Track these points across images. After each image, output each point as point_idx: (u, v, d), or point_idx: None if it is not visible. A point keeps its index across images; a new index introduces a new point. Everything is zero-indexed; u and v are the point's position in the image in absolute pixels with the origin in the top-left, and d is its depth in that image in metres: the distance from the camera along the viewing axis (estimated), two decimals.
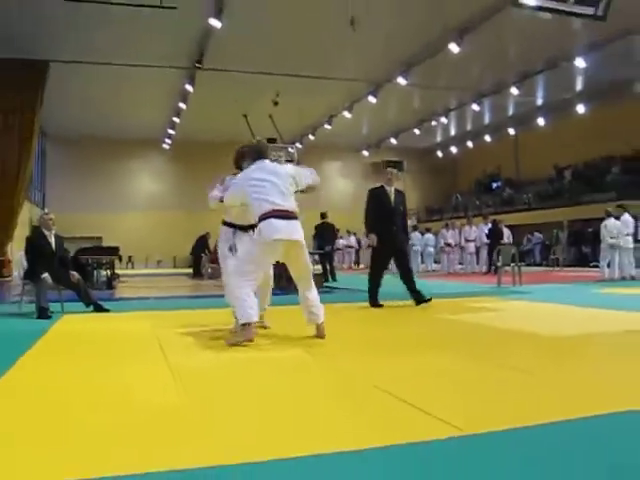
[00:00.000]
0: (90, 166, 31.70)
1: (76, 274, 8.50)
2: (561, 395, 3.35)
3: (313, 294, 5.58)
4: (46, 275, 8.00)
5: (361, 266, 27.35)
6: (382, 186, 8.59)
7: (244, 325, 5.20)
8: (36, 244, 8.33)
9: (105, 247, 17.22)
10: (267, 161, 5.67)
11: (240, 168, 5.94)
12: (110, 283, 14.53)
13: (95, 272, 14.70)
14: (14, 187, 19.33)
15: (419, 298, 8.36)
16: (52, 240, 8.41)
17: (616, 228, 13.80)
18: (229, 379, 4.00)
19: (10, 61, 19.04)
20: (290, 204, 5.42)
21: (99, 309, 8.39)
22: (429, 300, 8.37)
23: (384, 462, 2.31)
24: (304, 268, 5.60)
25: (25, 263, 8.29)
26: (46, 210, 8.97)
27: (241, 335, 5.22)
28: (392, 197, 8.46)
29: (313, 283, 5.68)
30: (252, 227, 5.79)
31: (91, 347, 5.41)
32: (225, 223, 6.38)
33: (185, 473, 2.21)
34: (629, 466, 2.20)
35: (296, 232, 5.34)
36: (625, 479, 2.13)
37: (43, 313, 7.75)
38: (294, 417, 3.02)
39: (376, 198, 8.62)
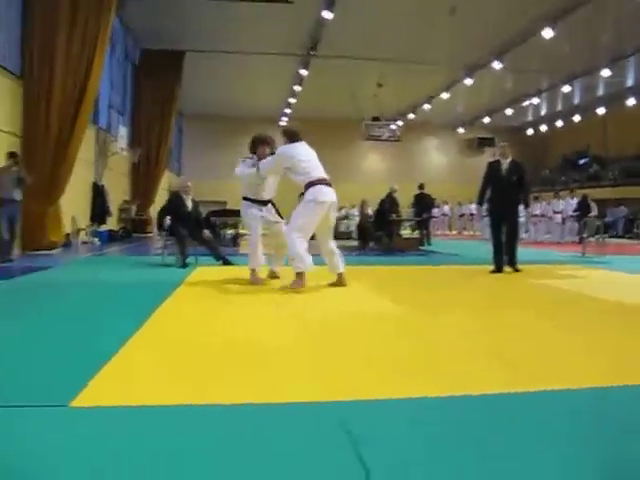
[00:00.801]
0: (218, 140, 32.75)
1: (207, 232, 9.03)
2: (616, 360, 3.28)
3: (335, 246, 6.36)
4: (185, 233, 8.56)
5: (453, 232, 26.98)
6: (498, 160, 8.42)
7: (301, 273, 5.90)
8: (175, 206, 8.89)
9: (231, 210, 17.83)
10: (304, 142, 6.46)
11: (254, 153, 6.79)
12: (235, 241, 15.13)
13: (222, 231, 15.36)
14: (157, 158, 20.44)
15: (513, 267, 8.21)
16: (189, 203, 8.95)
17: None
18: (336, 327, 4.11)
19: (154, 52, 20.02)
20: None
21: (226, 262, 8.88)
22: (518, 271, 8.19)
23: (475, 406, 2.41)
24: (332, 224, 6.44)
25: (166, 221, 8.78)
26: (184, 177, 9.54)
27: (300, 281, 5.89)
28: (504, 169, 8.25)
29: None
30: (264, 202, 6.80)
31: (220, 294, 5.78)
32: (245, 198, 6.89)
33: (295, 406, 2.36)
34: None
35: (335, 195, 6.20)
36: None
37: (183, 263, 8.33)
38: (396, 363, 3.14)
39: (489, 171, 8.49)
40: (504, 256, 8.24)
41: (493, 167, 8.41)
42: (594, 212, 18.32)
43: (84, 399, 2.37)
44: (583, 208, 17.36)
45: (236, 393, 2.49)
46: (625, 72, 23.91)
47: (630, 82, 25.35)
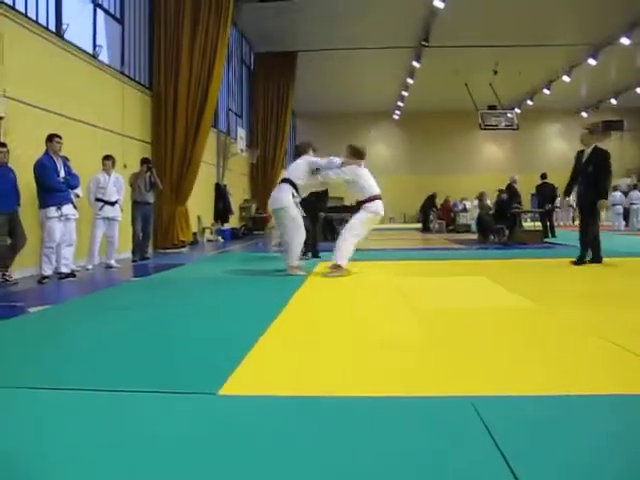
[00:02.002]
0: (331, 136, 32.85)
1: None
2: None
3: None
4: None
5: (577, 224, 25.61)
6: (583, 149, 7.95)
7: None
8: None
9: (347, 206, 18.07)
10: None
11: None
12: None
13: (338, 227, 15.60)
14: (273, 157, 21.14)
15: (594, 257, 7.74)
16: None
17: None
18: (465, 321, 4.08)
19: (269, 54, 20.72)
20: None
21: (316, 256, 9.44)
22: (599, 261, 7.71)
23: (609, 408, 2.34)
24: None
25: None
26: None
27: (338, 272, 6.70)
28: (584, 158, 7.80)
29: None
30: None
31: (342, 289, 5.94)
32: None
33: (435, 400, 2.43)
34: None
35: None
36: None
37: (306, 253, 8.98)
38: (527, 359, 3.09)
39: (576, 160, 8.08)
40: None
41: (578, 156, 8.00)
42: None
43: (230, 388, 2.56)
44: None
45: (366, 386, 2.57)
46: None
47: None
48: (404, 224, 30.14)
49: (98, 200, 8.50)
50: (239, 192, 19.50)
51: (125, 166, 10.24)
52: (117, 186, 8.75)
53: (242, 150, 18.28)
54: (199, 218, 14.83)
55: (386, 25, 18.85)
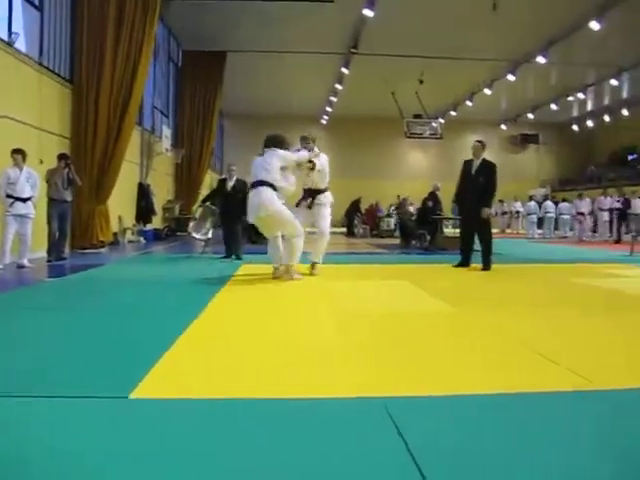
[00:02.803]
0: (259, 138, 32.64)
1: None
2: None
3: None
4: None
5: (495, 230, 26.53)
6: (472, 159, 8.37)
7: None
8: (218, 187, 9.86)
9: None
10: None
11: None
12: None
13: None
14: (199, 157, 20.77)
15: (483, 265, 8.10)
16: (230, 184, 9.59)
17: None
18: (386, 324, 4.15)
19: (197, 53, 20.37)
20: None
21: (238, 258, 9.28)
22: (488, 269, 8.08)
23: (525, 405, 2.42)
24: None
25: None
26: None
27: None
28: (474, 168, 8.22)
29: None
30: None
31: (265, 291, 5.88)
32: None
33: (348, 401, 2.44)
34: None
35: None
36: None
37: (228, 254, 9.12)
38: (444, 362, 3.17)
39: (463, 169, 8.50)
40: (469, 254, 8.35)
41: (466, 166, 8.39)
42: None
43: (142, 391, 2.49)
44: (625, 207, 16.99)
45: (282, 388, 2.57)
46: None
47: None
48: (330, 228, 30.30)
49: (9, 196, 8.06)
50: (163, 192, 19.03)
51: (41, 162, 9.77)
52: (30, 182, 8.31)
53: (167, 149, 17.87)
54: (120, 218, 14.35)
55: (317, 31, 18.94)
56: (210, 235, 10.13)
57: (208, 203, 10.11)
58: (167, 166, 19.61)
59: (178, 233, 18.96)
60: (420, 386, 2.61)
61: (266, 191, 6.34)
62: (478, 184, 8.13)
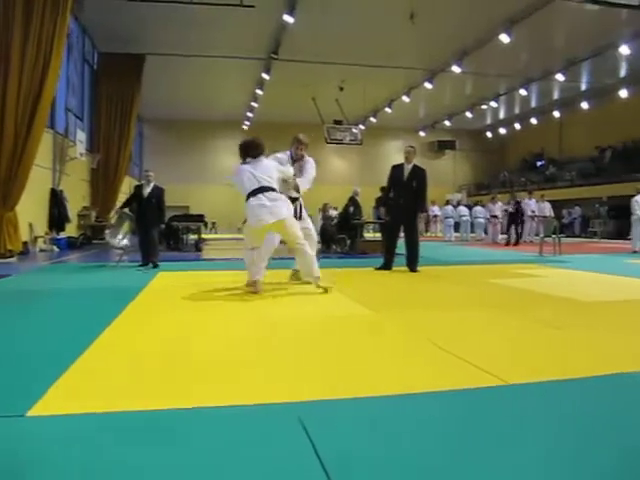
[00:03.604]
0: (180, 144, 32.53)
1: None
2: (589, 353, 3.38)
3: None
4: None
5: (429, 234, 27.10)
6: (402, 163, 8.48)
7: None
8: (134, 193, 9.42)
9: (193, 215, 17.67)
10: None
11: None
12: (197, 246, 14.96)
13: (184, 236, 15.17)
14: (117, 163, 20.07)
15: (412, 268, 8.26)
16: (147, 190, 9.17)
17: None
18: (303, 329, 4.11)
19: (113, 55, 19.71)
20: None
21: (155, 266, 8.95)
22: (416, 271, 8.25)
23: (440, 405, 2.42)
24: None
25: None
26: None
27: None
28: (406, 173, 8.34)
29: None
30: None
31: (184, 297, 5.68)
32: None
33: (260, 407, 2.37)
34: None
35: None
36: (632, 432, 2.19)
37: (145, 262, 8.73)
38: (356, 363, 3.14)
39: (392, 174, 8.58)
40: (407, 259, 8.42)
41: (396, 170, 8.50)
42: (549, 212, 18.96)
43: (41, 408, 2.31)
44: (517, 211, 17.61)
45: (195, 397, 2.46)
46: (579, 77, 24.55)
47: (584, 86, 26.04)
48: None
49: None
50: (78, 199, 18.27)
51: None
52: None
53: (82, 154, 17.15)
54: (31, 226, 13.63)
55: (237, 35, 18.82)
56: (127, 242, 9.76)
57: (126, 209, 9.75)
58: (82, 171, 18.84)
59: (94, 241, 18.26)
60: (332, 390, 2.57)
61: (279, 199, 5.87)
62: (411, 189, 8.26)
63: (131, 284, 6.69)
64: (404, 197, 8.29)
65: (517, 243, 16.92)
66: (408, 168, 8.37)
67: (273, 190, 5.86)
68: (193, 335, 3.89)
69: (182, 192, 28.46)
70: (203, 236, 17.09)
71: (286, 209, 5.89)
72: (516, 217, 17.19)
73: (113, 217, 10.99)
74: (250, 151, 6.11)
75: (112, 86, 19.80)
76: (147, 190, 9.12)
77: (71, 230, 16.78)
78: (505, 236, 20.04)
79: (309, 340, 3.75)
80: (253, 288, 5.97)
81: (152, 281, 7.14)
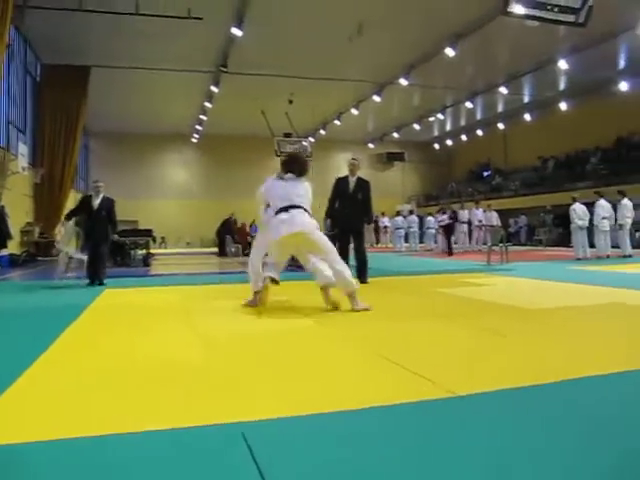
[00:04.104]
0: (128, 157, 31.91)
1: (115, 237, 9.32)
2: (535, 360, 3.41)
3: None
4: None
5: (379, 245, 27.30)
6: (347, 176, 8.51)
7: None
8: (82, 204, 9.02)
9: (141, 229, 17.34)
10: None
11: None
12: (146, 261, 14.67)
13: (132, 252, 14.84)
14: (62, 177, 19.54)
15: (362, 279, 8.12)
16: (96, 202, 8.83)
17: (582, 211, 13.79)
18: (247, 345, 4.03)
19: (57, 67, 19.24)
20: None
21: (101, 283, 8.67)
22: (367, 282, 8.23)
23: (382, 419, 2.39)
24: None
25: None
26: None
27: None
28: (351, 185, 8.38)
29: None
30: None
31: (129, 316, 5.52)
32: None
33: (203, 429, 2.28)
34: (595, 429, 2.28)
35: None
36: (581, 437, 2.20)
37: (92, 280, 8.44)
38: (308, 379, 3.09)
39: (337, 186, 8.59)
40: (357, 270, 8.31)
41: (341, 182, 8.53)
42: (496, 221, 19.43)
43: None
44: (454, 221, 17.92)
45: (135, 420, 2.35)
46: (522, 90, 25.31)
47: (527, 99, 26.85)
48: (201, 248, 29.74)
49: None
50: (20, 214, 17.68)
51: None
52: None
53: (24, 168, 16.63)
54: None
55: (186, 48, 18.65)
56: (79, 255, 9.42)
57: (72, 222, 9.43)
58: (24, 186, 18.25)
59: (39, 258, 17.68)
60: (280, 407, 2.50)
61: (305, 214, 5.59)
62: (357, 200, 8.29)
63: (74, 302, 6.47)
64: (350, 209, 8.31)
65: (451, 253, 17.04)
66: (353, 180, 8.41)
67: (305, 211, 5.61)
68: (134, 356, 3.76)
69: (130, 206, 27.84)
70: (152, 251, 16.78)
71: (308, 221, 5.55)
72: (452, 228, 17.39)
73: (60, 231, 10.62)
74: (295, 167, 5.86)
75: (56, 98, 19.32)
76: (97, 202, 8.79)
77: (13, 247, 16.20)
78: (455, 245, 20.45)
79: (253, 356, 3.67)
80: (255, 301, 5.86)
81: (97, 299, 6.93)
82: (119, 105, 25.68)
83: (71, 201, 21.17)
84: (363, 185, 8.46)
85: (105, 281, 8.70)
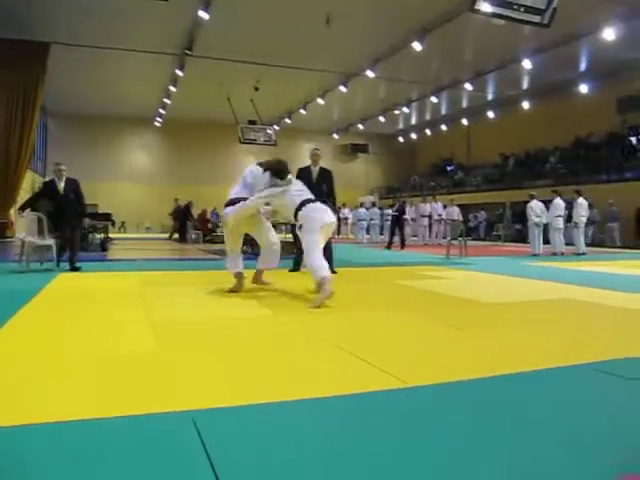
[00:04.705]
0: (88, 139, 31.19)
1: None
2: (487, 353, 3.49)
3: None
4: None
5: (340, 236, 27.35)
6: (309, 166, 8.60)
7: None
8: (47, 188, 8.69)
9: (99, 213, 16.99)
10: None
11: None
12: (103, 245, 14.42)
13: (90, 235, 14.57)
14: (17, 156, 18.99)
15: (331, 269, 8.31)
16: (61, 185, 8.56)
17: (539, 208, 14.11)
18: (202, 332, 4.01)
19: (13, 41, 18.60)
20: None
21: (75, 269, 8.41)
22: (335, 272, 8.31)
23: (339, 409, 2.42)
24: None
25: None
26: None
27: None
28: (314, 175, 8.46)
29: None
30: None
31: (82, 302, 5.43)
32: None
33: (154, 417, 2.27)
34: (531, 419, 2.36)
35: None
36: (527, 429, 2.28)
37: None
38: (261, 368, 3.09)
39: (299, 176, 8.57)
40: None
41: (304, 172, 8.54)
42: (457, 216, 19.73)
43: None
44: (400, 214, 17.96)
45: (84, 408, 2.32)
46: (485, 87, 25.67)
47: (490, 96, 27.24)
48: (161, 234, 29.35)
49: None
50: None
51: None
52: None
53: None
54: None
55: (150, 29, 18.29)
56: (40, 242, 8.96)
57: (28, 210, 8.99)
58: None
59: None
60: (231, 396, 2.50)
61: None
62: (321, 190, 8.27)
63: (26, 286, 6.33)
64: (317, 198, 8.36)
65: (403, 246, 16.91)
66: (316, 170, 8.51)
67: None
68: (88, 339, 3.71)
69: (90, 189, 26.88)
70: (110, 235, 16.50)
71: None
72: (400, 220, 17.46)
73: (17, 220, 10.25)
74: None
75: (11, 75, 18.67)
76: (61, 185, 8.52)
77: None
78: (415, 238, 20.65)
79: (207, 344, 3.66)
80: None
81: (51, 283, 6.80)
82: (79, 85, 25.01)
83: (27, 181, 20.65)
84: (326, 175, 8.56)
85: (78, 266, 8.46)
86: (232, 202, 6.06)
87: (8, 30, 18.18)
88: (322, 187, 8.35)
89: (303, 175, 8.47)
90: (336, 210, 8.93)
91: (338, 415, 2.34)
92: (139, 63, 21.86)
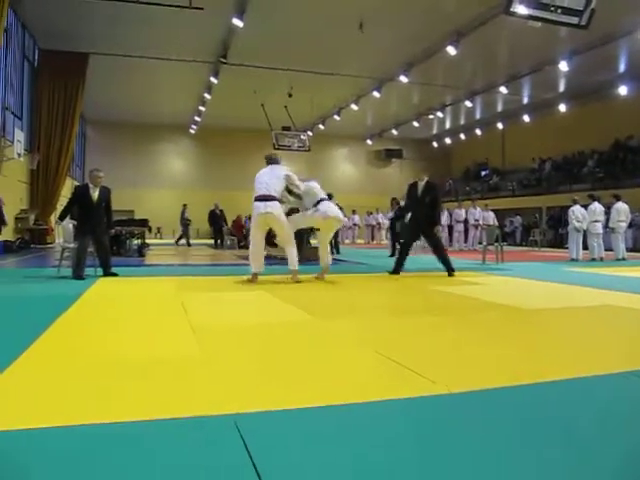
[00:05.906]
0: (125, 147, 31.78)
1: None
2: (532, 359, 3.42)
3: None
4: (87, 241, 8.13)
5: (360, 241, 27.37)
6: (416, 181, 9.45)
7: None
8: (79, 195, 8.34)
9: (136, 219, 17.27)
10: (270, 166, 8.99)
11: None
12: (141, 251, 14.63)
13: (127, 241, 14.80)
14: (57, 164, 19.47)
15: (449, 273, 9.21)
16: (95, 194, 8.29)
17: (581, 213, 13.81)
18: (242, 337, 4.03)
19: (56, 53, 19.13)
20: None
21: (111, 274, 8.45)
22: (452, 275, 9.11)
23: (376, 413, 2.40)
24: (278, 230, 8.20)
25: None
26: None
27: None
28: (419, 190, 9.27)
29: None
30: None
31: (122, 306, 5.52)
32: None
33: (197, 420, 2.28)
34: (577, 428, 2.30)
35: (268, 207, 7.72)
36: (573, 438, 2.21)
37: (79, 275, 7.95)
38: (300, 372, 3.09)
39: (409, 191, 9.67)
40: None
41: (411, 188, 9.55)
42: (493, 221, 19.45)
43: None
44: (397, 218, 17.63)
45: (128, 411, 2.35)
46: (521, 90, 25.30)
47: (526, 100, 26.85)
48: (197, 239, 29.62)
49: None
50: (15, 201, 17.61)
51: None
52: None
53: (20, 154, 16.55)
54: None
55: (186, 38, 18.56)
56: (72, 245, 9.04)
57: (67, 219, 8.93)
58: (20, 172, 18.18)
59: (33, 245, 17.64)
60: (273, 400, 2.50)
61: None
62: (425, 204, 9.20)
63: (67, 291, 6.44)
64: (418, 212, 9.34)
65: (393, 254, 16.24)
66: (421, 185, 9.32)
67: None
68: (131, 343, 3.76)
69: (127, 196, 27.78)
70: (147, 241, 16.74)
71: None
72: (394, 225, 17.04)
73: (56, 226, 10.34)
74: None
75: (54, 84, 19.26)
76: (95, 194, 8.24)
77: (8, 234, 16.15)
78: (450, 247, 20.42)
79: (248, 348, 3.68)
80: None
81: (90, 288, 6.91)
82: (117, 94, 25.56)
83: (67, 188, 21.11)
84: (430, 189, 9.34)
85: (114, 271, 8.50)
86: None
87: (51, 42, 18.74)
88: (425, 200, 9.19)
89: (411, 189, 9.59)
90: (439, 222, 9.94)
91: (381, 420, 2.32)
92: (174, 71, 22.19)
